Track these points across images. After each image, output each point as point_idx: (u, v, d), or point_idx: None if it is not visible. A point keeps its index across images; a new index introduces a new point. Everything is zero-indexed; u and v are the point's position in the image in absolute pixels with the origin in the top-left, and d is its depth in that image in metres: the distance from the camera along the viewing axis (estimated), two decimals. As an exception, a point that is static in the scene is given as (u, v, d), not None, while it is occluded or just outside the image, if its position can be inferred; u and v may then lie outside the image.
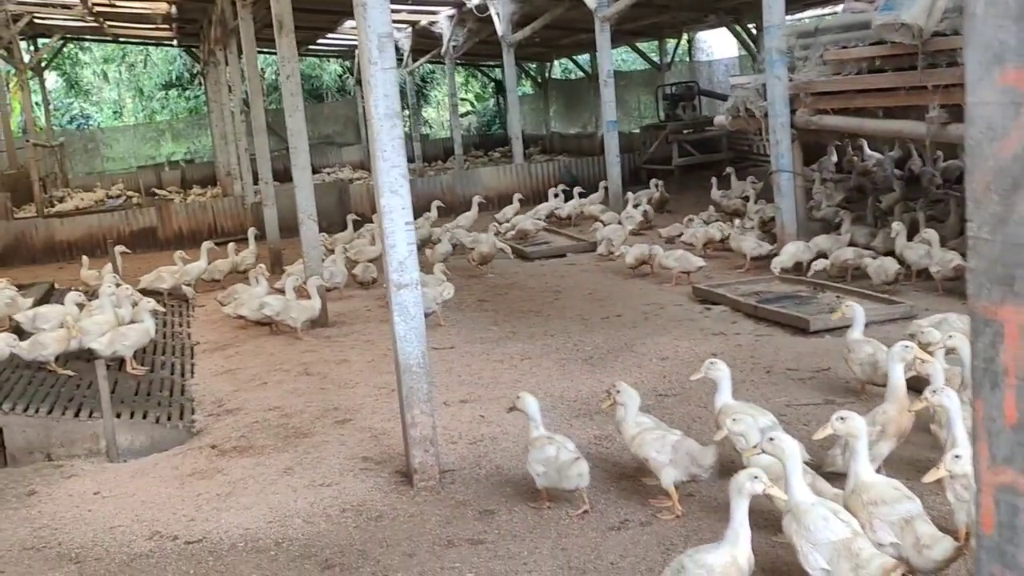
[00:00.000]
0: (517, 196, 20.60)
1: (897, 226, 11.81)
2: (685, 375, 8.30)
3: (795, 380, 8.51)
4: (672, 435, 5.92)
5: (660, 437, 5.86)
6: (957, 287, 10.84)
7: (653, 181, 20.87)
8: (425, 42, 30.96)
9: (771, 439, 4.79)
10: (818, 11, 25.52)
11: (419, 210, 20.04)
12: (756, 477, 4.42)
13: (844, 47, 12.13)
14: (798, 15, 24.16)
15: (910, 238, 11.93)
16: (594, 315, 11.61)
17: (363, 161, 37.28)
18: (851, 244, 12.91)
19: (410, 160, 35.76)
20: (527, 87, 45.53)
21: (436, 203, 19.82)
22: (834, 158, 21.55)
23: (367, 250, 15.61)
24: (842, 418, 4.96)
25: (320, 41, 35.98)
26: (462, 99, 49.59)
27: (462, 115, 48.08)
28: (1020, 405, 1.52)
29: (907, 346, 6.09)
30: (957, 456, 4.55)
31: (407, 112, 37.66)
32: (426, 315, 11.54)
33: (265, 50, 40.24)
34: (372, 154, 6.65)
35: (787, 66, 13.03)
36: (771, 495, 4.52)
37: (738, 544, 4.37)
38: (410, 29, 30.91)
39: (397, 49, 33.10)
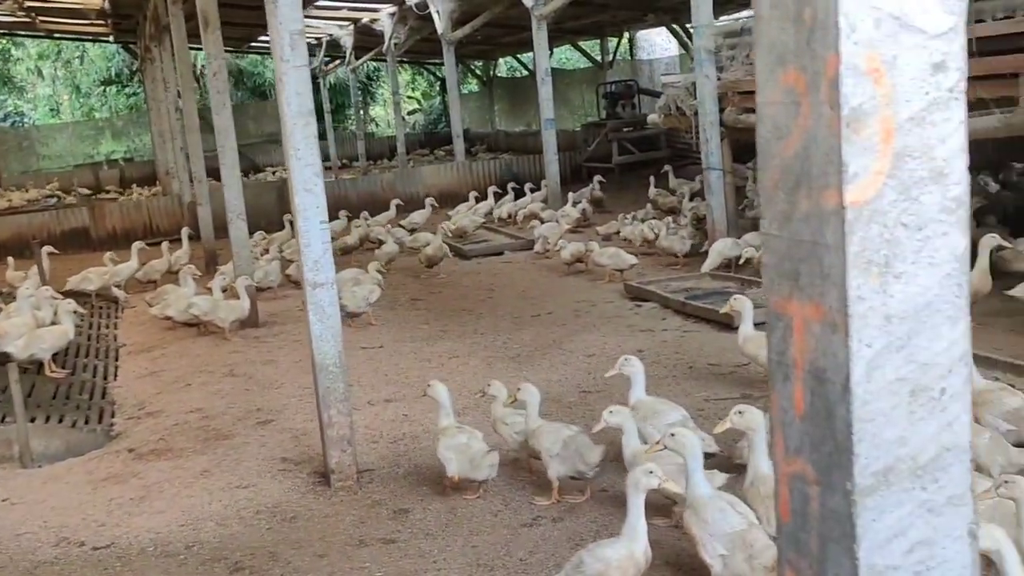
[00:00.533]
0: (473, 194, 20.57)
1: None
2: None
3: (716, 375, 8.60)
4: (568, 430, 5.98)
5: (555, 431, 5.92)
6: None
7: (596, 178, 20.98)
8: (368, 39, 30.77)
9: (672, 434, 4.85)
10: (750, 11, 25.76)
11: (359, 208, 20.03)
12: (651, 472, 4.46)
13: (770, 46, 12.27)
14: (735, 15, 24.38)
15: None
16: (525, 313, 11.64)
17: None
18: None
19: (354, 158, 35.68)
20: (473, 85, 45.50)
21: (395, 201, 19.81)
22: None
23: (302, 249, 15.47)
24: (740, 412, 5.03)
25: (262, 38, 35.63)
26: (409, 97, 49.43)
27: (409, 113, 47.92)
28: (808, 397, 1.55)
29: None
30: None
31: (351, 110, 37.45)
32: (357, 315, 11.54)
33: (199, 46, 39.86)
34: (285, 152, 6.61)
35: (716, 65, 13.17)
36: (666, 489, 4.57)
37: (635, 538, 4.42)
38: (352, 26, 30.72)
39: (339, 46, 33.07)
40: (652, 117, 15.27)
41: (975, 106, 9.32)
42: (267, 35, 29.77)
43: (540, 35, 19.13)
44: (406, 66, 45.90)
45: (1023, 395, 6.12)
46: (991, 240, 9.09)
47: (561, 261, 14.18)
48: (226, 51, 42.45)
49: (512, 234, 18.10)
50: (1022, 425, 6.00)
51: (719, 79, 13.17)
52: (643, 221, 16.37)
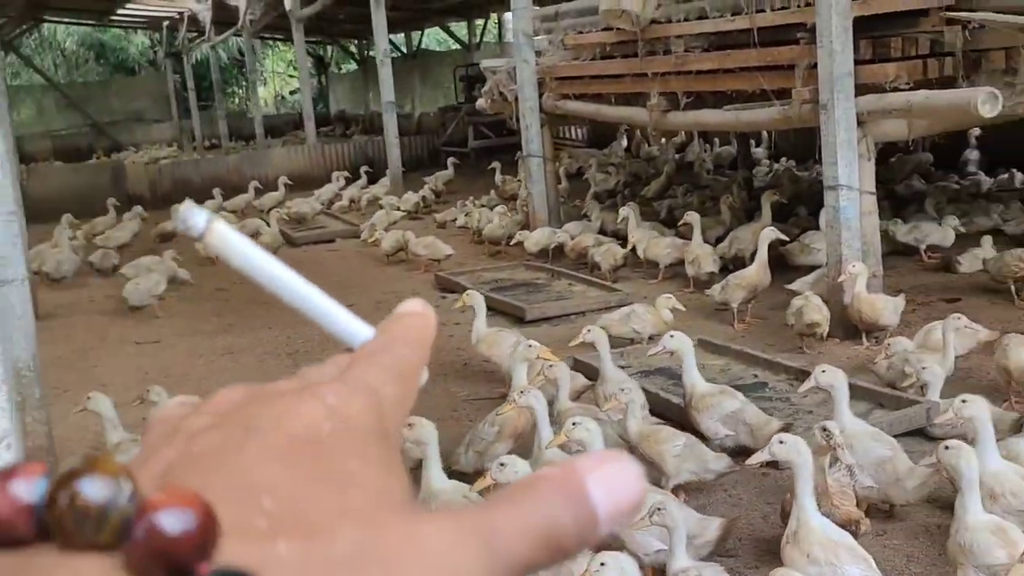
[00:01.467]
0: (283, 180, 19.90)
1: (624, 211, 11.81)
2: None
3: (487, 372, 8.29)
4: None
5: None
6: (681, 271, 10.83)
7: (451, 160, 20.62)
8: (225, 15, 29.74)
9: (410, 424, 4.63)
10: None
11: (202, 192, 19.24)
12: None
13: (580, 32, 12.02)
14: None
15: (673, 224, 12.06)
16: (324, 305, 11.18)
17: (176, 139, 35.74)
18: (601, 231, 12.86)
19: (238, 137, 34.30)
20: (351, 64, 44.59)
21: (283, 179, 19.14)
22: (624, 143, 21.73)
23: (114, 235, 14.74)
24: (409, 424, 4.69)
25: (123, 12, 34.20)
26: (290, 76, 48.24)
27: (292, 92, 46.72)
28: None
29: (531, 345, 5.91)
30: (502, 464, 4.33)
31: (239, 88, 36.22)
32: (140, 308, 10.92)
33: (55, 19, 38.14)
34: (-31, 137, 6.00)
35: (535, 50, 12.87)
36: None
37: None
38: (209, 1, 29.65)
39: (197, 22, 31.87)
40: (480, 102, 14.91)
41: (758, 97, 9.19)
42: (130, 9, 28.30)
43: (379, 15, 18.67)
44: (279, 44, 44.73)
45: (742, 398, 5.94)
46: (770, 233, 8.98)
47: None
48: (85, 24, 40.73)
49: (350, 221, 17.59)
50: (740, 428, 5.82)
51: (537, 64, 12.88)
52: (482, 208, 16.04)
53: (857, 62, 8.01)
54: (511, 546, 0.43)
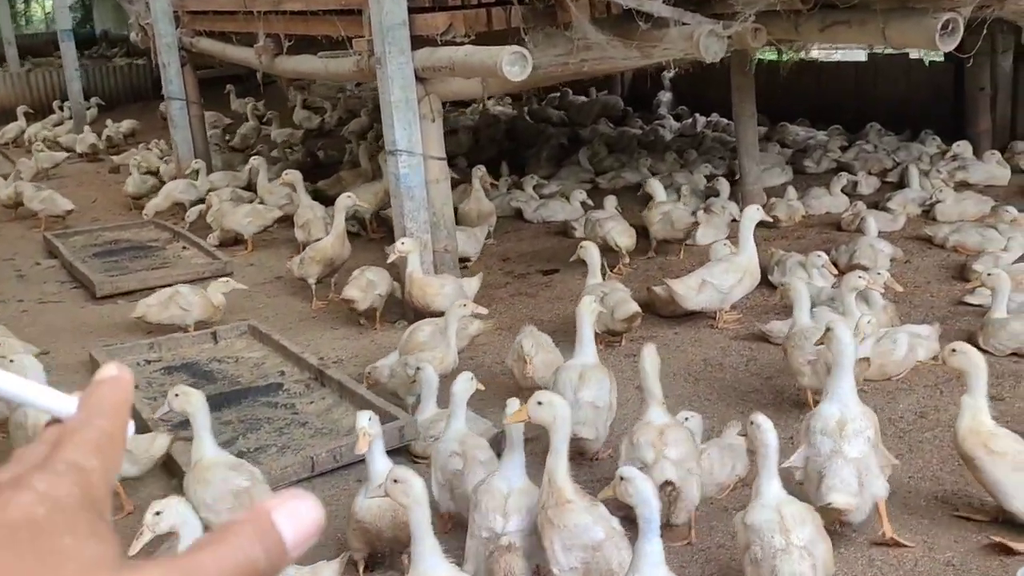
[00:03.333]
0: (22, 109, 17.83)
1: (255, 161, 10.72)
2: None
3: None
4: None
5: None
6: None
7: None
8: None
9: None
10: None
11: None
12: None
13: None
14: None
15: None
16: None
17: None
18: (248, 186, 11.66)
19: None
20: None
21: (23, 108, 17.18)
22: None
23: None
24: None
25: None
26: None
27: (47, 13, 42.75)
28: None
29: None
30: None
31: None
32: None
33: None
34: None
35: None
36: None
37: None
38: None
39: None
40: (132, 35, 13.35)
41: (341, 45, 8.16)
42: None
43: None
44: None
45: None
46: (346, 200, 8.04)
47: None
48: None
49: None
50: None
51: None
52: (148, 153, 14.53)
53: (414, 10, 7.06)
54: None
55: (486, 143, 13.29)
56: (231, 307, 8.16)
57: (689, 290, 6.74)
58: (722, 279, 6.79)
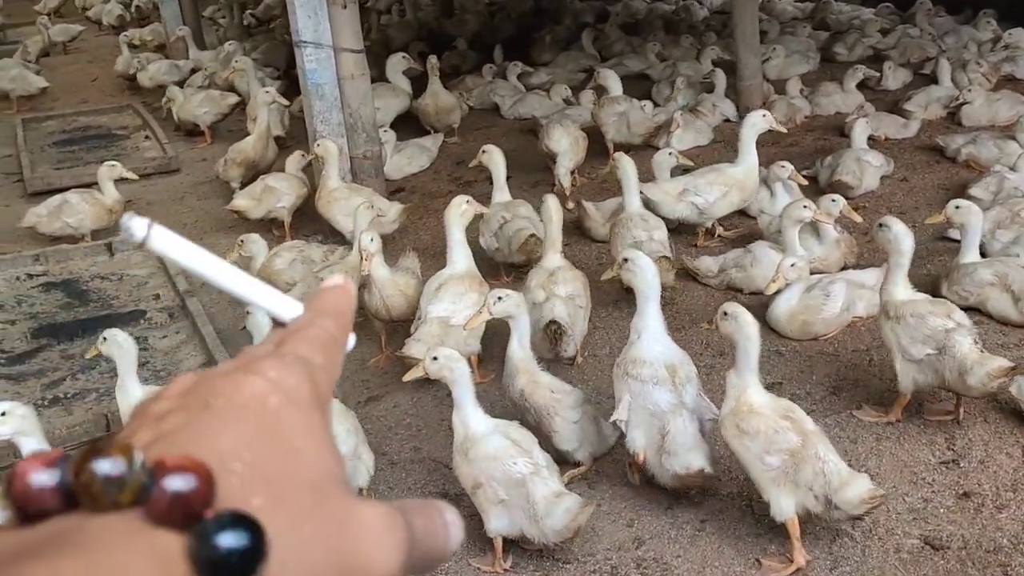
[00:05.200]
0: None
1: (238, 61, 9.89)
2: None
3: None
4: None
5: None
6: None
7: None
8: None
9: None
10: None
11: None
12: None
13: None
14: None
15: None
16: None
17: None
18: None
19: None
20: None
21: None
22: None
23: None
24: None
25: None
26: None
27: None
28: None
29: None
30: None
31: None
32: None
33: None
34: None
35: None
36: None
37: None
38: None
39: None
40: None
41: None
42: None
43: None
44: None
45: None
46: (264, 96, 7.20)
47: None
48: None
49: None
50: None
51: None
52: None
53: None
54: (416, 544, 0.53)
55: (503, 22, 12.11)
56: (153, 212, 7.53)
57: (666, 196, 5.78)
58: (707, 191, 5.80)
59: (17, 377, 5.16)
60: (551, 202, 4.81)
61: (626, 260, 3.88)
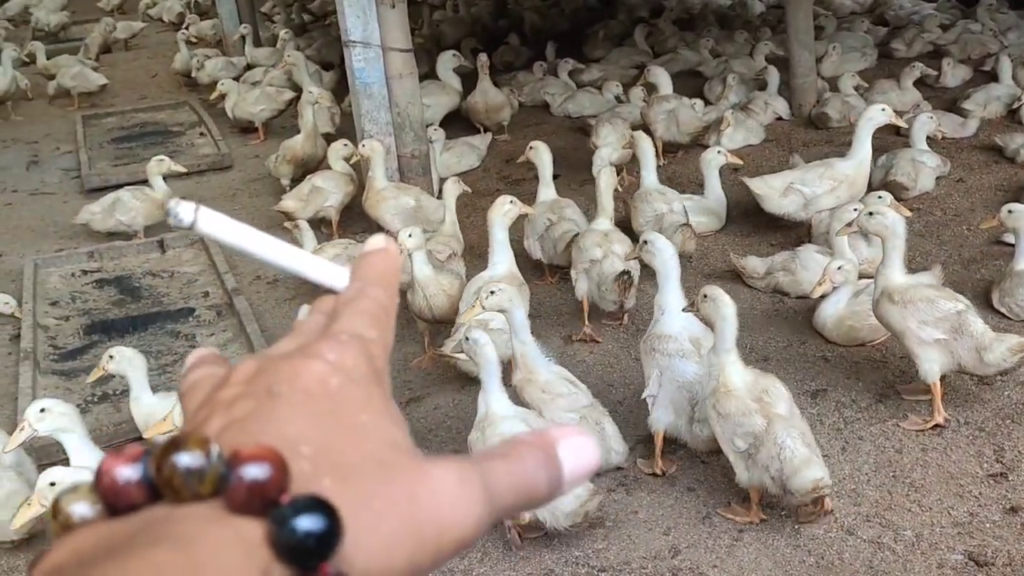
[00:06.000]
0: None
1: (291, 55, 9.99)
2: None
3: None
4: None
5: None
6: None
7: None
8: None
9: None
10: None
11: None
12: None
13: None
14: None
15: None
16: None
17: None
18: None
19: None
20: None
21: None
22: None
23: None
24: None
25: None
26: None
27: None
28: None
29: None
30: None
31: None
32: None
33: None
34: None
35: None
36: None
37: None
38: None
39: None
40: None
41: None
42: None
43: None
44: None
45: None
46: (310, 96, 7.24)
47: None
48: None
49: None
50: None
51: None
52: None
53: None
54: (500, 492, 0.53)
55: (557, 16, 12.06)
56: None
57: (771, 191, 5.75)
58: (815, 184, 5.72)
59: (68, 373, 5.27)
60: (604, 172, 5.22)
61: (645, 242, 4.12)
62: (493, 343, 3.77)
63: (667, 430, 3.86)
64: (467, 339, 3.77)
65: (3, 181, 8.81)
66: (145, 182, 7.14)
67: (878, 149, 6.79)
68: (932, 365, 3.94)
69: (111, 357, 4.20)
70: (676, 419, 3.82)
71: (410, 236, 4.81)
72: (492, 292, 4.03)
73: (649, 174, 5.70)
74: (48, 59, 11.76)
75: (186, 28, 13.04)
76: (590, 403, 3.92)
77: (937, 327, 3.91)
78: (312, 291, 5.44)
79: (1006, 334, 3.95)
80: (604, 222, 5.08)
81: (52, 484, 3.31)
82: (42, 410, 3.57)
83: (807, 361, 4.63)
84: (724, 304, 3.58)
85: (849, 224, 4.62)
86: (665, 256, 4.00)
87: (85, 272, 6.56)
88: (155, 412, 4.09)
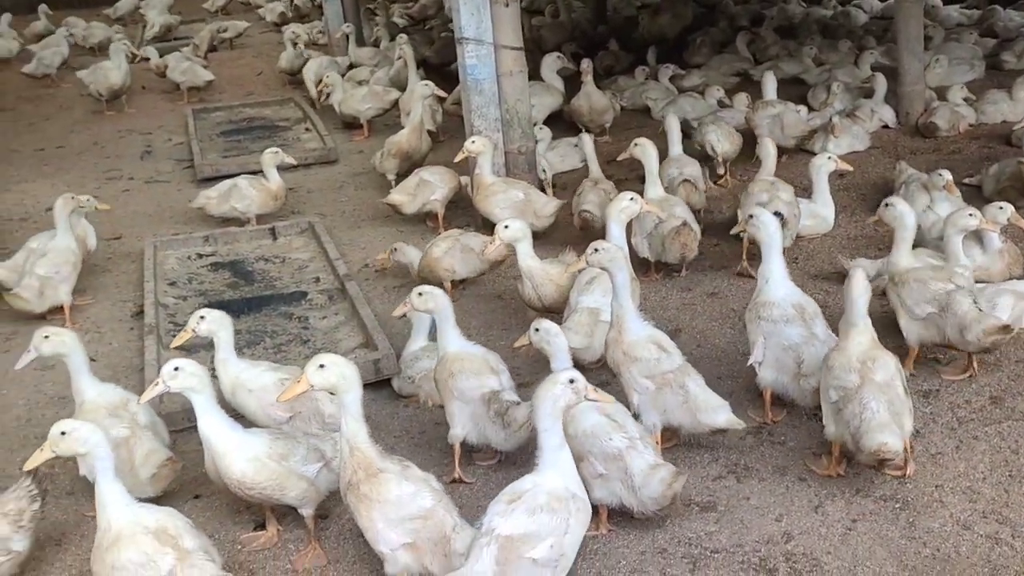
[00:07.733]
0: None
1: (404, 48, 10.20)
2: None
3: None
4: None
5: None
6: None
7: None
8: None
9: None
10: None
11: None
12: None
13: None
14: None
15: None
16: None
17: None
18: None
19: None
20: None
21: None
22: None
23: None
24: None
25: None
26: None
27: None
28: None
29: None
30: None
31: None
32: None
33: None
34: None
35: None
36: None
37: None
38: None
39: None
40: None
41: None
42: None
43: None
44: None
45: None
46: (423, 90, 7.41)
47: None
48: None
49: None
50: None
51: None
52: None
53: None
54: None
55: (650, 24, 12.09)
56: (313, 200, 7.88)
57: None
58: None
59: (188, 349, 5.47)
60: (645, 143, 5.78)
61: (751, 216, 4.36)
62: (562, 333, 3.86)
63: (773, 387, 4.16)
64: (536, 330, 3.85)
65: (120, 169, 9.17)
66: (254, 173, 7.39)
67: (990, 159, 6.74)
68: (913, 336, 4.45)
69: (202, 318, 4.20)
70: (780, 376, 4.11)
71: (506, 228, 4.95)
72: (596, 250, 4.14)
73: (675, 148, 6.43)
74: (160, 57, 12.23)
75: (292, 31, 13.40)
76: (678, 365, 3.98)
77: (928, 304, 4.33)
78: (411, 282, 5.58)
79: (987, 315, 4.22)
80: (656, 189, 5.73)
81: (63, 433, 3.39)
82: (176, 368, 3.69)
83: (919, 365, 4.60)
84: (853, 284, 3.79)
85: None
86: (770, 229, 4.24)
87: (200, 255, 6.81)
88: (242, 378, 4.18)
